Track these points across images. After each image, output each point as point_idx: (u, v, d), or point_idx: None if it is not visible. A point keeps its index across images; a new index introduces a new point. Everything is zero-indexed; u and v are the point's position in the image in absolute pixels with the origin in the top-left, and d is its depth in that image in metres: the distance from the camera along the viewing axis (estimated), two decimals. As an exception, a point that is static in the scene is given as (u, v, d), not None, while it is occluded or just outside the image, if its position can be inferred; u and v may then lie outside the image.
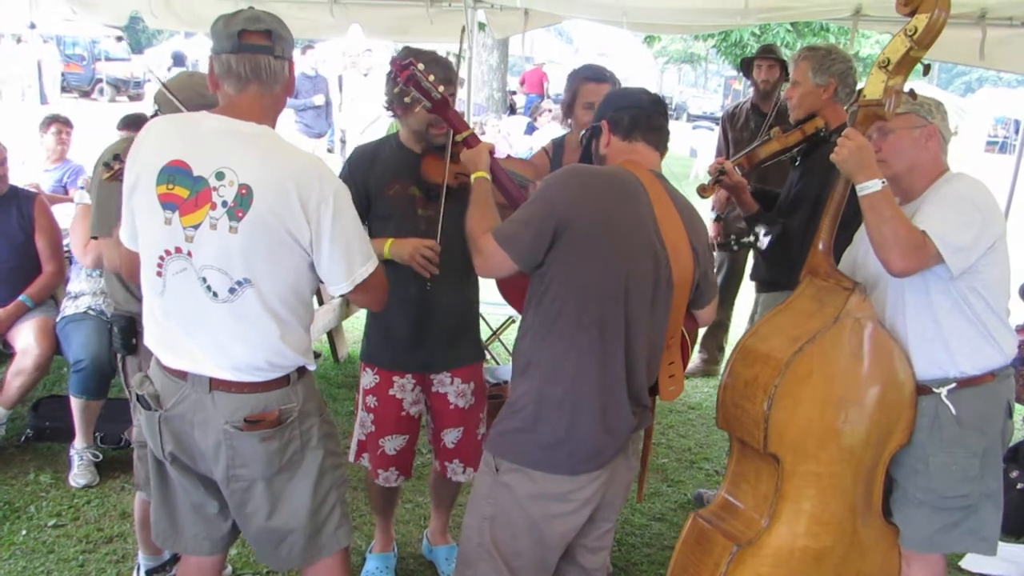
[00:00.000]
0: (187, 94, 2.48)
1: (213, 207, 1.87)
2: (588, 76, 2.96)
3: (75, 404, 3.61)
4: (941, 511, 2.39)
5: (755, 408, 2.33)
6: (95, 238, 2.75)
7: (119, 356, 2.78)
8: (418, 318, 2.70)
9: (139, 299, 2.63)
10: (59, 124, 5.57)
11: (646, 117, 2.25)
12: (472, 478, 2.87)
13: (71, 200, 4.88)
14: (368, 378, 2.82)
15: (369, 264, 2.02)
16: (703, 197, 3.44)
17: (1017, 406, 3.00)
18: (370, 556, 3.11)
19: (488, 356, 5.22)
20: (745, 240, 2.97)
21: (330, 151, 10.61)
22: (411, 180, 2.66)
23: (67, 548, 3.13)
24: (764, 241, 2.99)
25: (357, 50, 9.94)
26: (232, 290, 1.90)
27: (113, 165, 2.47)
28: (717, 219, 5.13)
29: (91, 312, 3.78)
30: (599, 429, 2.09)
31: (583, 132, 2.44)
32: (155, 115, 2.60)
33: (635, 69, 27.97)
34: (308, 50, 10.08)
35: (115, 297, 2.79)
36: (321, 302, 5.07)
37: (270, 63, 1.93)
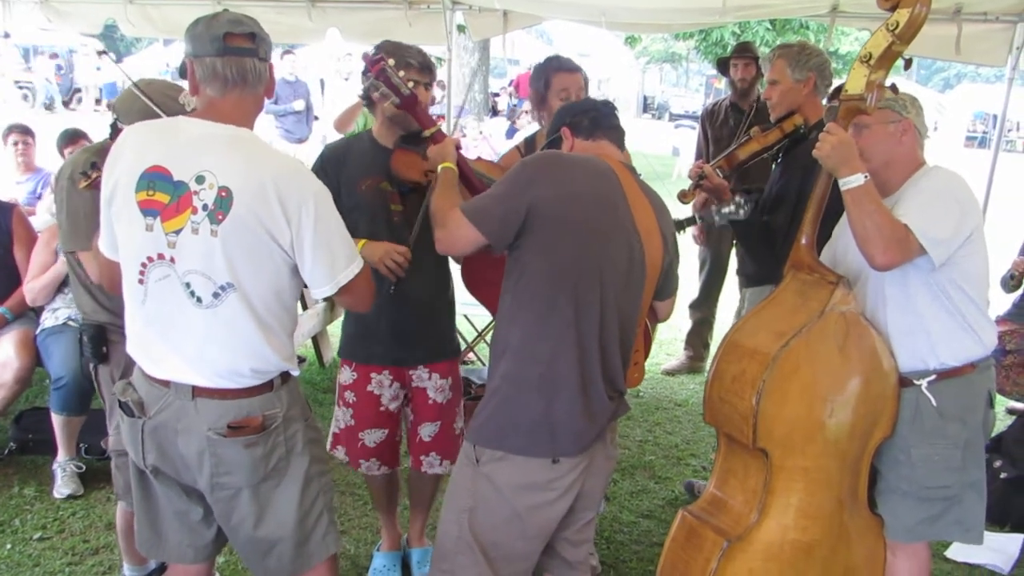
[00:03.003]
0: (160, 98, 2.46)
1: (194, 211, 1.86)
2: (559, 66, 2.97)
3: (56, 421, 3.59)
4: (925, 502, 2.41)
5: (743, 403, 2.34)
6: (71, 252, 2.71)
7: (92, 365, 2.74)
8: (392, 311, 2.71)
9: (107, 309, 2.62)
10: (17, 134, 5.35)
11: (605, 117, 2.33)
12: (449, 470, 2.90)
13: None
14: (346, 375, 2.84)
15: (354, 266, 2.01)
16: (684, 203, 3.45)
17: (999, 397, 3.04)
18: (377, 554, 3.14)
19: (473, 357, 5.23)
20: (726, 210, 2.98)
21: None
22: (383, 175, 2.67)
23: (53, 561, 3.10)
24: (745, 210, 2.99)
25: (338, 54, 9.91)
26: (216, 295, 1.89)
27: (91, 174, 2.43)
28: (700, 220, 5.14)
29: (71, 323, 3.73)
30: (578, 410, 2.09)
31: (542, 148, 2.46)
32: (114, 124, 2.58)
33: (616, 69, 28.02)
34: (287, 55, 10.04)
35: (82, 307, 2.76)
36: (305, 307, 5.06)
37: (255, 65, 1.94)
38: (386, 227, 2.68)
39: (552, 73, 2.95)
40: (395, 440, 2.93)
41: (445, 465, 2.91)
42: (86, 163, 2.52)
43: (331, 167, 2.72)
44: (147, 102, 2.43)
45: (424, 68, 2.59)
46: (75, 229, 2.64)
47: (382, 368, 2.80)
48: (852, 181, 2.26)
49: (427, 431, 2.88)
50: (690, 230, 5.05)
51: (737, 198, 3.01)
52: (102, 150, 2.53)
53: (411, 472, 3.04)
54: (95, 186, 2.42)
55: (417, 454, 2.93)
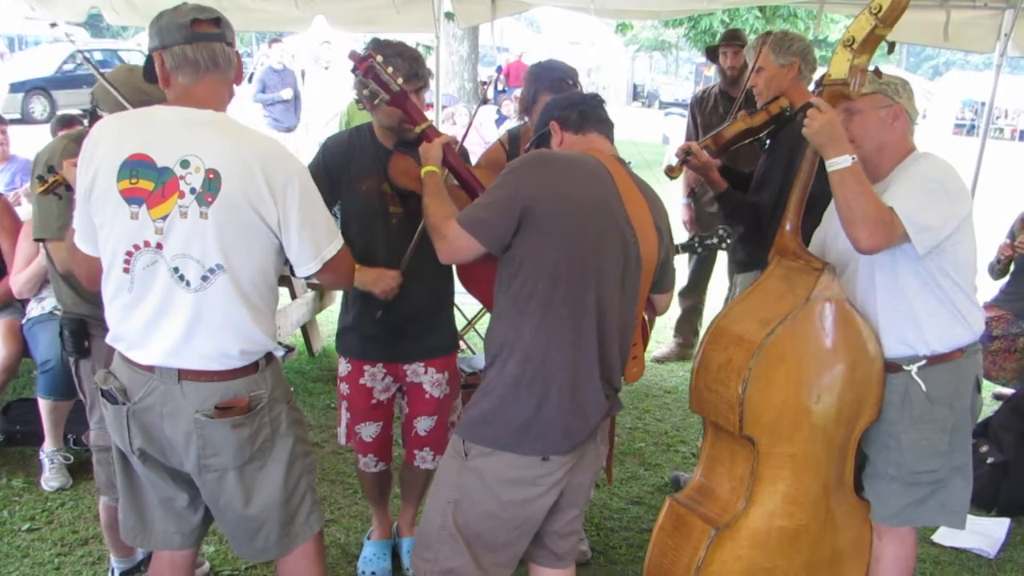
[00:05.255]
0: (127, 90, 2.43)
1: (181, 196, 1.87)
2: (550, 87, 2.81)
3: (43, 406, 3.57)
4: (912, 486, 2.42)
5: (729, 392, 2.35)
6: (41, 240, 2.68)
7: (72, 360, 2.70)
8: (386, 310, 2.70)
9: (88, 301, 2.56)
10: None
11: (594, 110, 2.32)
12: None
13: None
14: (343, 367, 2.86)
15: (336, 242, 2.05)
16: (672, 178, 3.46)
17: (985, 382, 3.05)
18: (368, 542, 3.14)
19: (463, 346, 5.23)
20: (709, 242, 3.01)
21: None
22: (384, 177, 2.66)
23: (42, 552, 3.09)
24: (727, 243, 3.04)
25: (316, 43, 9.84)
26: (205, 278, 1.91)
27: (47, 178, 2.39)
28: (689, 203, 5.15)
29: (56, 312, 3.68)
30: (569, 409, 2.10)
31: (529, 144, 2.44)
32: (93, 111, 2.56)
33: (606, 57, 27.96)
34: (275, 43, 9.98)
35: (63, 300, 2.72)
36: (294, 296, 5.04)
37: (224, 50, 1.97)
38: (384, 229, 2.68)
39: (543, 92, 2.82)
40: (389, 434, 2.93)
41: (437, 461, 2.90)
42: (45, 166, 2.49)
43: (334, 161, 2.70)
44: (117, 96, 2.40)
45: (410, 77, 2.54)
46: (46, 217, 2.60)
47: (376, 363, 2.81)
48: (839, 162, 2.25)
49: (423, 425, 2.88)
50: (680, 216, 5.08)
51: (720, 231, 3.03)
52: (81, 137, 2.50)
53: (404, 464, 3.04)
54: (51, 191, 2.39)
55: (411, 448, 2.92)
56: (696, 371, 2.49)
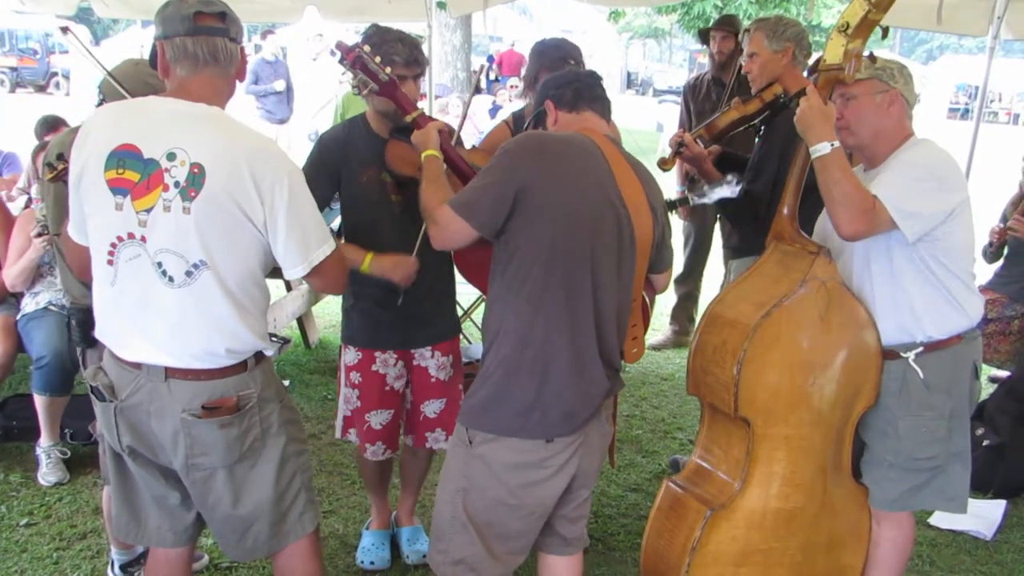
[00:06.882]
0: (133, 83, 2.43)
1: (166, 189, 1.84)
2: (551, 67, 2.85)
3: (39, 401, 3.55)
4: (910, 472, 2.43)
5: (725, 373, 2.35)
6: (57, 235, 2.68)
7: (79, 350, 2.72)
8: (396, 299, 2.69)
9: None
10: None
11: (588, 88, 2.30)
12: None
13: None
14: (350, 355, 2.84)
15: (326, 247, 2.00)
16: (664, 170, 3.44)
17: (984, 367, 3.06)
18: (366, 532, 3.14)
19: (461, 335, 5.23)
20: (719, 190, 2.96)
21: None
22: (382, 167, 2.66)
23: (40, 546, 3.09)
24: (736, 190, 2.99)
25: (307, 34, 9.81)
26: (188, 273, 1.88)
27: (56, 165, 2.39)
28: (683, 191, 5.14)
29: (52, 307, 3.70)
30: (570, 391, 2.09)
31: (527, 123, 2.44)
32: (100, 105, 2.55)
33: (599, 45, 27.90)
34: (268, 35, 9.95)
35: (71, 291, 2.73)
36: (289, 288, 5.03)
37: (226, 45, 1.93)
38: (389, 218, 2.67)
39: (544, 71, 2.84)
40: (398, 422, 2.93)
41: (450, 441, 2.91)
42: (55, 153, 2.49)
43: (332, 155, 2.69)
44: (119, 88, 2.39)
45: (410, 62, 2.54)
46: (63, 212, 2.61)
47: (387, 349, 2.81)
48: (820, 149, 2.26)
49: (432, 408, 2.88)
50: (675, 205, 5.07)
51: (728, 177, 3.00)
52: (72, 137, 2.51)
53: (405, 450, 3.04)
54: (59, 178, 2.39)
55: (421, 431, 2.92)
56: (693, 353, 2.50)
